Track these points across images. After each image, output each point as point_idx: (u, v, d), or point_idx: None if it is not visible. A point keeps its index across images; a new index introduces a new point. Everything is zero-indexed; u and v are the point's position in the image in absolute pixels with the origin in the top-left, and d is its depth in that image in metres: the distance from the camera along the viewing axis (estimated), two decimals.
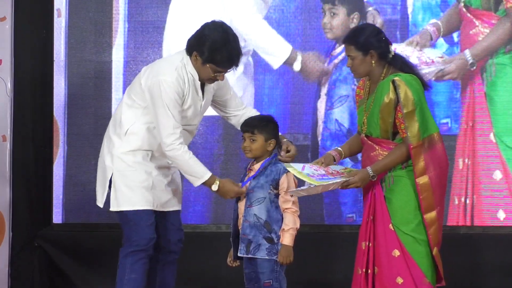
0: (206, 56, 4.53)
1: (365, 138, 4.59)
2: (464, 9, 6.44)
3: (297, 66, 6.47)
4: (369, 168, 4.45)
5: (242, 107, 4.91)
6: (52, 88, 6.51)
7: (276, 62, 6.48)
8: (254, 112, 4.89)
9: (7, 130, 6.34)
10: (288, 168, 4.52)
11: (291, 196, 4.57)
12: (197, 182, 4.59)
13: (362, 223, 4.56)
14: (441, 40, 6.48)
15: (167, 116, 4.52)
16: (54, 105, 6.51)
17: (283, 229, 4.58)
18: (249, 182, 4.62)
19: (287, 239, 4.57)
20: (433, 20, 6.44)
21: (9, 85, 6.35)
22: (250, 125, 4.66)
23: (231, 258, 4.75)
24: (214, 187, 4.59)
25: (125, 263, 4.61)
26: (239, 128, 4.86)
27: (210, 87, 4.73)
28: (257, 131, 4.63)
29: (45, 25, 6.52)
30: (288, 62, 6.48)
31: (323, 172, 4.47)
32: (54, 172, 6.51)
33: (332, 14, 6.46)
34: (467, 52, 6.42)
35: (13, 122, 6.39)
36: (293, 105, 6.50)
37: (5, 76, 6.35)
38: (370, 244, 4.48)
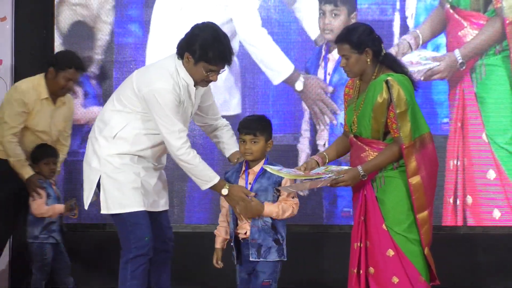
0: (198, 55, 4.50)
1: (354, 139, 4.56)
2: (451, 10, 6.43)
3: (299, 86, 6.49)
4: (359, 167, 4.42)
5: (218, 116, 4.91)
6: None
7: (276, 78, 6.50)
8: (227, 124, 4.87)
9: None
10: (265, 168, 4.50)
11: (282, 192, 4.56)
12: (205, 186, 4.57)
13: (354, 224, 4.54)
14: (442, 41, 6.48)
15: (171, 122, 4.49)
16: None
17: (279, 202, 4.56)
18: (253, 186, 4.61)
19: (271, 208, 4.54)
20: (412, 30, 6.45)
21: (9, 85, 6.34)
22: (251, 127, 4.60)
23: (219, 259, 4.69)
24: (224, 191, 4.55)
25: (126, 269, 4.59)
26: (210, 135, 4.91)
27: (199, 94, 4.71)
28: (258, 133, 4.59)
29: (45, 25, 6.52)
30: (289, 82, 6.49)
31: (302, 173, 4.44)
32: None
33: (333, 15, 6.47)
34: (457, 52, 6.42)
35: None
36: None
37: (5, 76, 6.36)
38: (362, 245, 4.47)
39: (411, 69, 6.14)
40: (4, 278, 6.34)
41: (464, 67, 6.42)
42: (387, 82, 4.41)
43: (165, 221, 4.80)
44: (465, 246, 6.33)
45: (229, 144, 4.86)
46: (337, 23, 6.46)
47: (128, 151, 4.60)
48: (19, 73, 6.38)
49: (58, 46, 6.49)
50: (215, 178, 4.56)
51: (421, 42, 6.44)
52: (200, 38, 4.50)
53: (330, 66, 6.48)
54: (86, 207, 4.68)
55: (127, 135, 4.60)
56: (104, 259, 6.19)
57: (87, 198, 4.66)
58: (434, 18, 6.45)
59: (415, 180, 4.41)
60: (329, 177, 4.39)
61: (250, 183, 4.61)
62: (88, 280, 6.35)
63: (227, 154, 4.86)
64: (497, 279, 6.29)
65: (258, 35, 6.52)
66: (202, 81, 4.61)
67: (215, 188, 4.56)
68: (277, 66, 6.52)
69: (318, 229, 6.44)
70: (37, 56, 6.48)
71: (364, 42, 4.48)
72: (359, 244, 4.47)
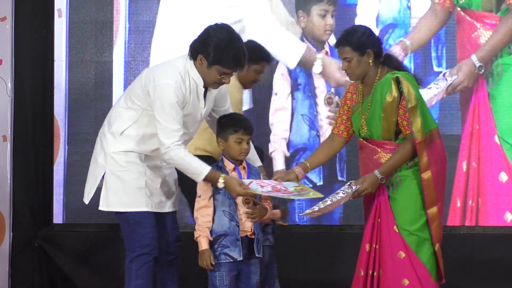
0: (212, 58, 4.43)
1: (364, 142, 4.56)
2: (462, 13, 6.40)
3: (317, 68, 6.45)
4: (376, 172, 4.43)
5: None
6: (53, 88, 6.52)
7: (291, 61, 6.45)
8: None
9: (8, 130, 6.34)
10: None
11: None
12: (199, 178, 4.45)
13: (367, 225, 4.54)
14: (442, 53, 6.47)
15: (167, 119, 4.42)
16: (55, 105, 6.51)
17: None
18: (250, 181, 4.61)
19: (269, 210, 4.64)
20: (400, 39, 6.41)
21: (9, 85, 6.35)
22: (250, 127, 4.59)
23: (212, 260, 4.53)
24: (220, 184, 4.44)
25: (130, 268, 4.56)
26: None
27: (212, 95, 4.64)
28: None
29: (46, 25, 6.52)
30: (306, 64, 6.45)
31: (270, 189, 4.44)
32: (54, 172, 6.51)
33: (332, 16, 6.47)
34: (473, 57, 6.38)
35: (13, 122, 6.39)
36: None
37: (6, 76, 6.36)
38: (377, 246, 4.47)
39: (427, 97, 6.10)
40: (4, 278, 6.34)
41: (483, 70, 6.38)
42: (396, 79, 4.42)
43: (170, 222, 4.75)
44: (468, 246, 6.32)
45: None
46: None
47: (133, 149, 4.57)
48: (19, 73, 6.39)
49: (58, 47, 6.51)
50: (206, 169, 4.43)
51: (409, 51, 6.39)
52: (215, 40, 4.43)
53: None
54: (86, 202, 4.66)
55: (133, 134, 4.57)
56: (106, 260, 6.18)
57: (89, 193, 4.62)
58: (421, 24, 6.40)
59: (427, 175, 4.42)
60: (350, 190, 4.39)
61: (244, 179, 4.58)
62: (89, 281, 6.35)
63: None
64: (498, 279, 6.29)
65: (264, 22, 6.43)
66: (214, 83, 4.54)
67: (212, 180, 4.44)
68: (288, 48, 6.43)
69: (319, 229, 6.45)
70: (37, 56, 6.49)
71: (364, 43, 4.49)
72: (374, 245, 4.47)
